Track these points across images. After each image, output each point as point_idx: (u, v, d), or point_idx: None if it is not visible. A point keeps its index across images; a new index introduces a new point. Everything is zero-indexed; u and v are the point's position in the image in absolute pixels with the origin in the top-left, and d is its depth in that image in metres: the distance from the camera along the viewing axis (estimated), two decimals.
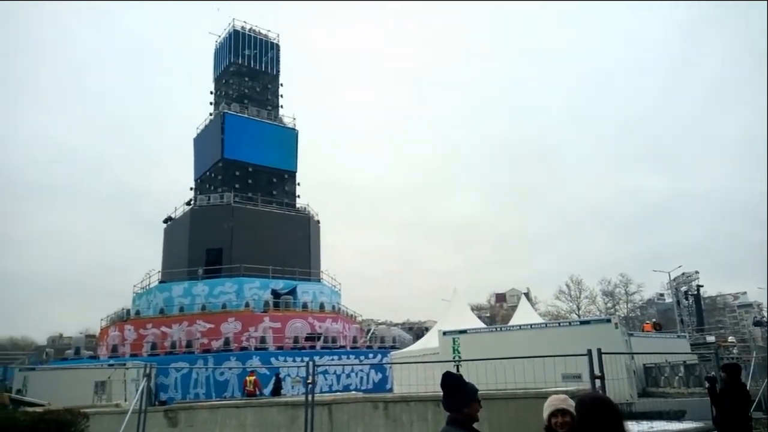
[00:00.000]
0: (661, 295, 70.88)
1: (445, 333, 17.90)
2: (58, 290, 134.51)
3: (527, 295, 69.28)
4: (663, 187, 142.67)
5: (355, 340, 36.17)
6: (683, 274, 41.34)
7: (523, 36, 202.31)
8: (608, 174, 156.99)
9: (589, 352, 7.45)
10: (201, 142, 46.16)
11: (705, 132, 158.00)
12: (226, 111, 42.81)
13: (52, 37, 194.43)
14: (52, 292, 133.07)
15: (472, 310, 37.39)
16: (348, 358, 31.89)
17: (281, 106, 47.56)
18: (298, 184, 45.53)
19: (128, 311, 36.10)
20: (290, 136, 45.47)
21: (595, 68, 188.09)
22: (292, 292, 36.56)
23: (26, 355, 44.09)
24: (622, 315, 66.15)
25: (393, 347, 34.20)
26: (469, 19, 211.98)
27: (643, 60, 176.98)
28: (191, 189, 45.37)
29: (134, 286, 40.15)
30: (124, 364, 24.30)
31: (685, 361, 17.10)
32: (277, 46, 48.40)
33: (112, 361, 27.57)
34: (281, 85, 48.12)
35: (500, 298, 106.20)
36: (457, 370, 14.89)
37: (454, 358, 16.24)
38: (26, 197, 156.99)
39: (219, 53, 48.40)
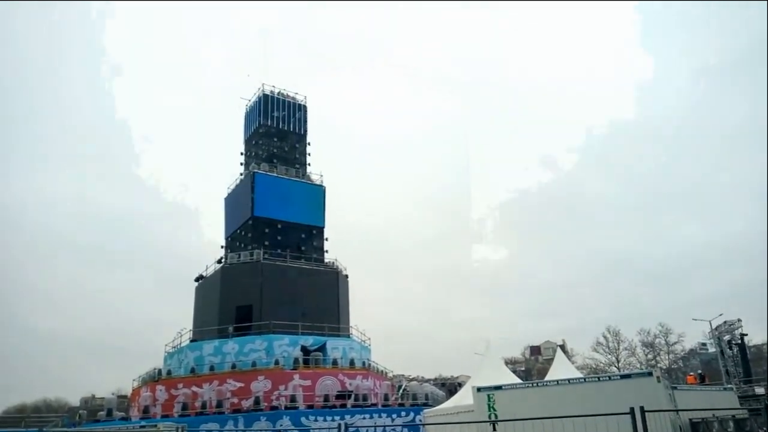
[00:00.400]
0: (704, 344, 68.26)
1: (479, 389, 17.41)
2: (90, 350, 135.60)
3: (563, 347, 67.45)
4: (696, 232, 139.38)
5: (386, 398, 35.39)
6: (725, 322, 39.89)
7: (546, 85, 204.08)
8: (639, 221, 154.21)
9: (632, 410, 7.19)
10: (231, 201, 47.35)
11: (736, 173, 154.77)
12: (255, 170, 44.01)
13: (83, 101, 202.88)
14: (84, 353, 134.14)
15: (507, 363, 36.49)
16: (380, 416, 31.14)
17: (309, 164, 48.79)
18: (326, 239, 46.02)
19: (159, 371, 36.16)
20: (318, 193, 46.32)
21: (622, 111, 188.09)
22: (322, 348, 36.26)
23: (60, 417, 44.11)
24: (664, 367, 63.73)
25: (426, 404, 33.33)
26: (490, 78, 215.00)
27: (670, 105, 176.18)
28: (222, 247, 46.23)
29: (166, 345, 40.40)
30: (156, 426, 24.16)
31: (734, 416, 16.26)
32: (305, 107, 50.12)
33: (143, 423, 27.44)
34: (308, 143, 49.55)
35: (535, 351, 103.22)
36: (494, 429, 14.45)
37: (489, 416, 15.74)
38: (59, 258, 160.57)
39: (249, 116, 50.24)
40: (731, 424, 15.97)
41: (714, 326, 41.30)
